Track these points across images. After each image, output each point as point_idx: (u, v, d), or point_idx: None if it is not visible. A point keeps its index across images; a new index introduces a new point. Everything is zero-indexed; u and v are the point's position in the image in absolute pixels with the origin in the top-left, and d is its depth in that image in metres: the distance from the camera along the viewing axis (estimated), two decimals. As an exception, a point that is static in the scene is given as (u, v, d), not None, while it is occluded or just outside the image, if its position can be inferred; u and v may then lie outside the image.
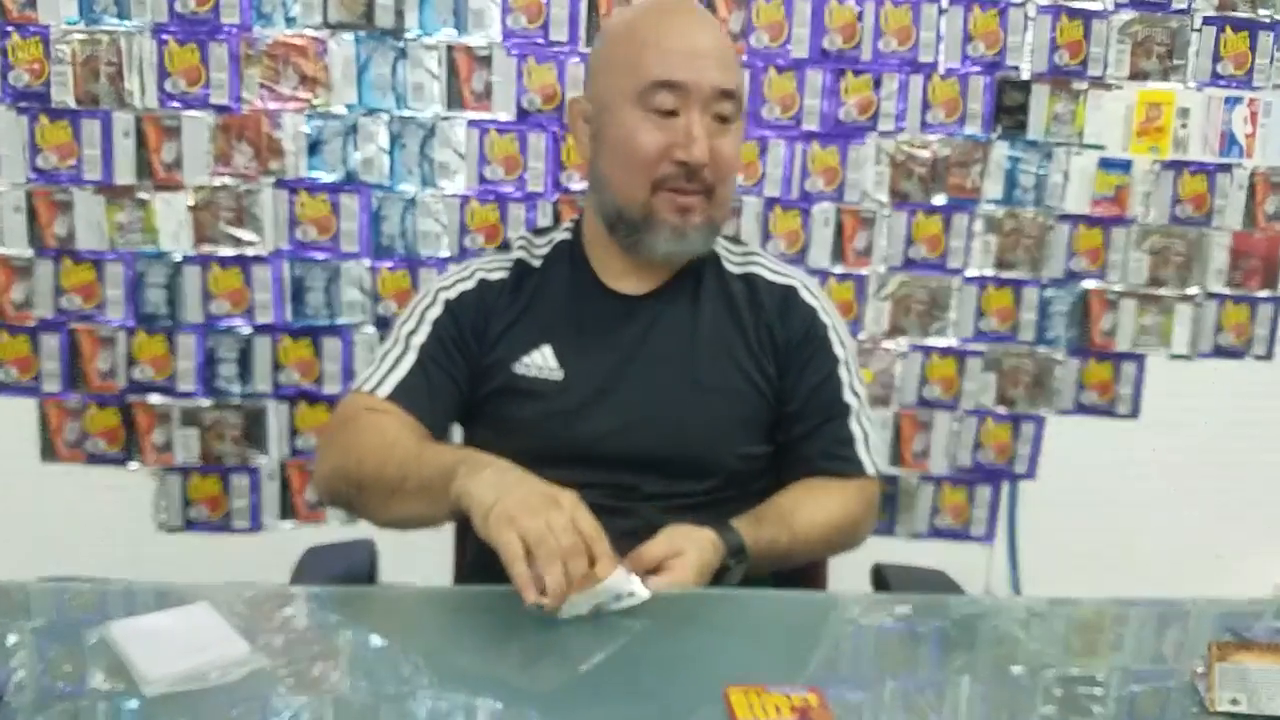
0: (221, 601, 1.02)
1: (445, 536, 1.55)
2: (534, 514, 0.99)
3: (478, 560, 1.36)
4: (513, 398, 1.34)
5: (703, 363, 1.35)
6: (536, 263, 1.42)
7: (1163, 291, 2.43)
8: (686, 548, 1.16)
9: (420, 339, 1.36)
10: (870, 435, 1.41)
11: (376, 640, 1.02)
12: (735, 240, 1.49)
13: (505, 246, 1.46)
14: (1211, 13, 2.32)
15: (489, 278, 1.40)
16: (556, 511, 1.00)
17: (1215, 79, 2.35)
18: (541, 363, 1.34)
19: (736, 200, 2.29)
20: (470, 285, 1.39)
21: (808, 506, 1.33)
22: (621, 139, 1.29)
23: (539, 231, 1.48)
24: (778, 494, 1.36)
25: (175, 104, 2.21)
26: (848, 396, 1.40)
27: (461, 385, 1.36)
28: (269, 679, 0.91)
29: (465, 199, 2.29)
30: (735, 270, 1.43)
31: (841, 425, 1.39)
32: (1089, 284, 2.42)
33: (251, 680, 0.90)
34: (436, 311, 1.38)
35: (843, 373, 1.41)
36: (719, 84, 1.27)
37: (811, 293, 1.44)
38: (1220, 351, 2.45)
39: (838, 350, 1.41)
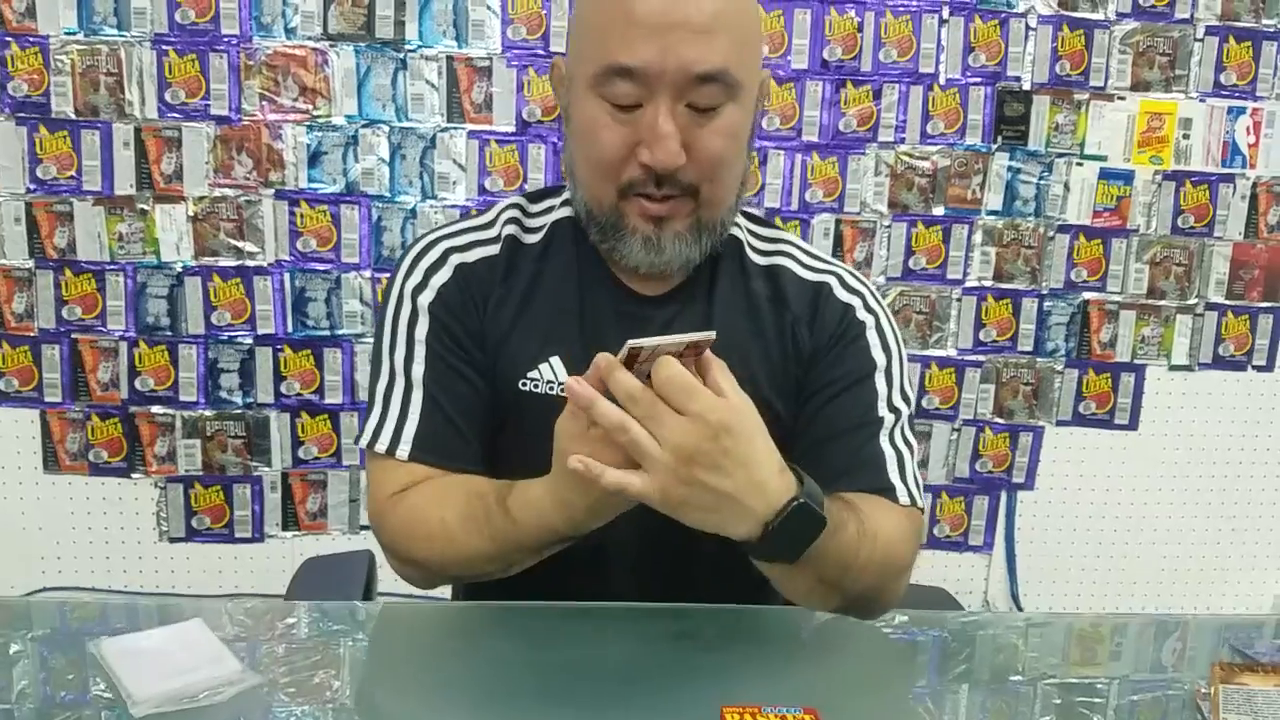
0: (217, 617, 0.97)
1: None
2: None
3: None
4: (520, 419, 1.08)
5: None
6: (532, 239, 1.11)
7: (1163, 302, 2.32)
8: (746, 400, 0.85)
9: (420, 368, 1.07)
10: (907, 458, 1.08)
11: (372, 658, 0.95)
12: (764, 222, 1.17)
13: (484, 211, 1.15)
14: (1214, 22, 2.20)
15: (468, 259, 1.09)
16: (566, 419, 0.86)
17: (1218, 89, 2.23)
18: (551, 377, 1.07)
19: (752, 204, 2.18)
20: (447, 275, 1.08)
21: (869, 507, 0.99)
22: (582, 130, 1.01)
23: (535, 196, 1.16)
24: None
25: (175, 115, 2.11)
26: (882, 410, 1.07)
27: (485, 398, 1.08)
28: (260, 698, 0.85)
29: (466, 210, 2.19)
30: (760, 261, 1.13)
31: (869, 441, 1.06)
32: (1088, 295, 2.31)
33: (241, 700, 0.84)
34: (424, 326, 1.08)
35: (880, 382, 1.08)
36: (692, 67, 0.94)
37: (849, 287, 1.12)
38: (1221, 363, 2.35)
39: (877, 355, 1.09)
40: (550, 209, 1.13)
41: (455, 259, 1.09)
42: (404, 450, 1.05)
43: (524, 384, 1.08)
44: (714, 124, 0.97)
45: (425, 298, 1.08)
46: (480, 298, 1.08)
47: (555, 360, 1.07)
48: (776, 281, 1.11)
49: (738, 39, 0.97)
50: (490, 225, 1.11)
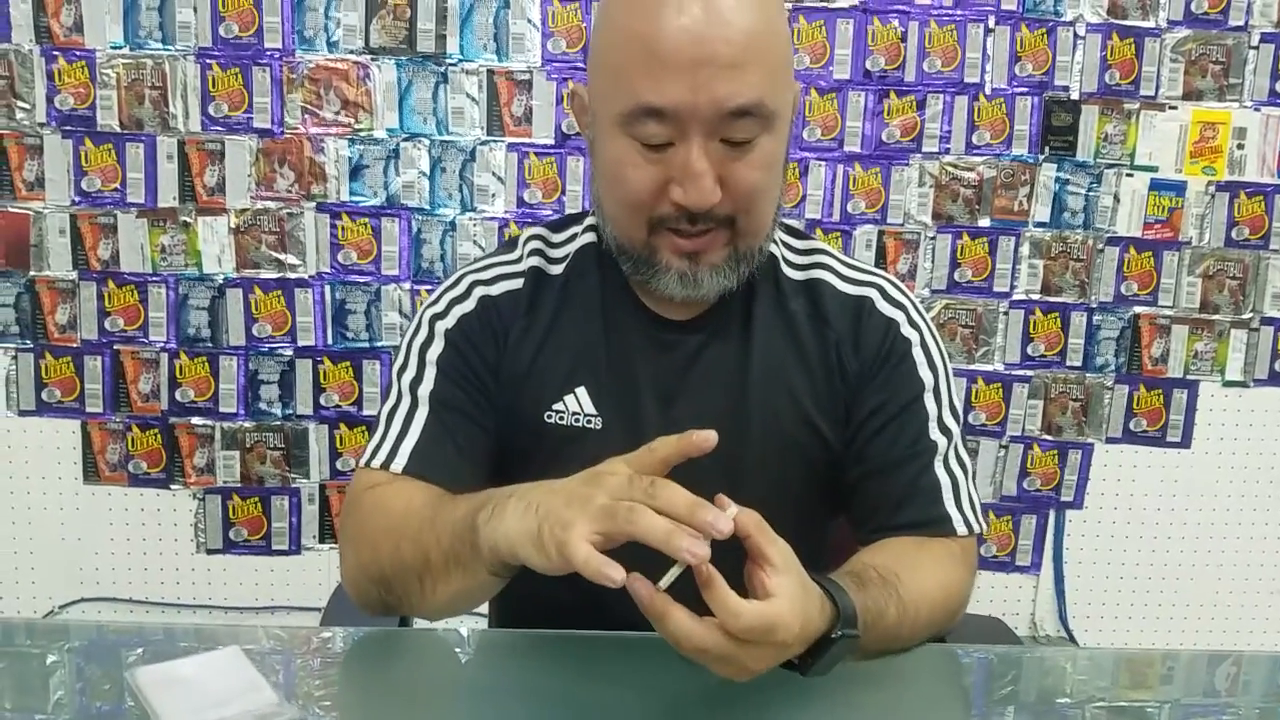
0: (253, 639, 0.91)
1: None
2: (587, 501, 0.73)
3: (510, 592, 1.18)
4: (547, 452, 1.02)
5: (754, 409, 1.02)
6: (556, 270, 1.06)
7: (1216, 317, 2.23)
8: (794, 582, 0.75)
9: (428, 388, 1.02)
10: (962, 481, 1.02)
11: (410, 688, 0.88)
12: (798, 234, 1.11)
13: (510, 245, 1.09)
14: (1270, 29, 2.12)
15: (492, 293, 1.04)
16: (609, 478, 0.74)
17: (1274, 98, 2.14)
18: (577, 408, 1.02)
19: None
20: (470, 306, 1.04)
21: (910, 571, 0.92)
22: (610, 169, 0.94)
23: (557, 225, 1.11)
24: (861, 555, 0.97)
25: (218, 128, 2.09)
26: (934, 433, 1.02)
27: (489, 431, 1.03)
28: None
29: (504, 222, 2.15)
30: (797, 277, 1.06)
31: (925, 471, 1.01)
32: (1139, 309, 2.22)
33: None
34: (438, 349, 1.03)
35: (929, 402, 1.03)
36: (724, 103, 0.88)
37: (892, 300, 1.05)
38: (1277, 379, 2.24)
39: (924, 373, 1.03)
40: (573, 236, 1.08)
41: (479, 291, 1.05)
42: (399, 464, 0.99)
43: (549, 416, 1.02)
44: (749, 157, 0.91)
45: (443, 324, 1.04)
46: (502, 330, 1.04)
47: (581, 391, 1.02)
48: (815, 298, 1.05)
49: (769, 68, 0.90)
50: (516, 260, 1.07)
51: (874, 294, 1.05)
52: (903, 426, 1.02)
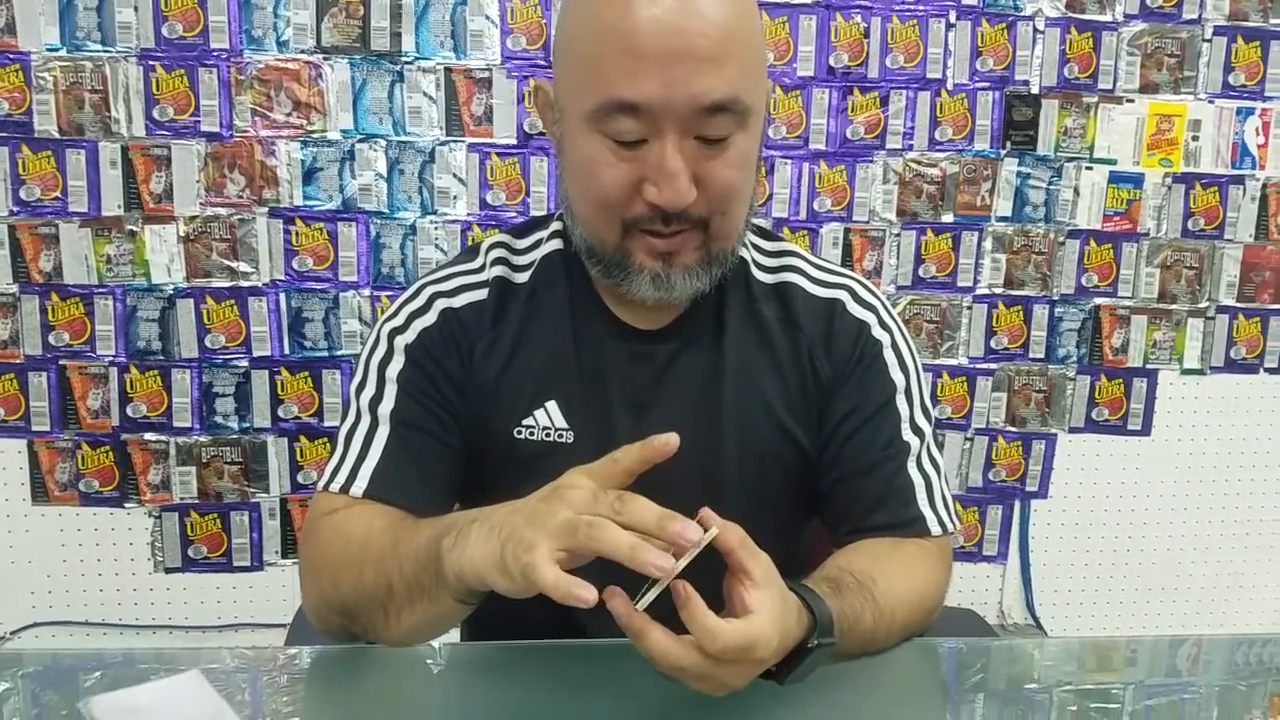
0: (216, 662, 0.87)
1: None
2: (548, 518, 0.70)
3: (483, 606, 1.14)
4: (518, 469, 0.98)
5: (728, 417, 0.99)
6: (521, 278, 1.01)
7: (1174, 306, 2.24)
8: (773, 592, 0.74)
9: (389, 406, 0.97)
10: (935, 481, 1.01)
11: (381, 708, 0.84)
12: (768, 235, 1.07)
13: (472, 252, 1.03)
14: (1223, 22, 2.12)
15: (454, 304, 0.99)
16: (572, 492, 0.71)
17: (1227, 90, 2.15)
18: (548, 423, 0.98)
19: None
20: (431, 319, 0.99)
21: (885, 574, 0.91)
22: (580, 167, 0.90)
23: (520, 231, 1.05)
24: (837, 558, 0.95)
25: (164, 132, 1.99)
26: (907, 434, 1.00)
27: (455, 449, 0.98)
28: None
29: (467, 225, 2.08)
30: (767, 280, 1.03)
31: (898, 472, 0.99)
32: (1100, 300, 2.23)
33: None
34: (398, 365, 0.98)
35: (901, 404, 1.01)
36: (700, 99, 0.83)
37: (862, 302, 1.03)
38: (1233, 366, 2.27)
39: (895, 375, 1.01)
40: (538, 243, 1.03)
41: (441, 303, 0.99)
42: (359, 487, 0.94)
43: (519, 432, 0.98)
44: (725, 156, 0.87)
45: (403, 339, 0.98)
46: (466, 345, 0.98)
47: (551, 405, 0.98)
48: (786, 301, 1.02)
49: (745, 63, 0.86)
50: (479, 269, 1.01)
51: (844, 296, 1.03)
52: (876, 429, 1.00)
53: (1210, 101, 2.16)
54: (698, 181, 0.86)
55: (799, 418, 1.01)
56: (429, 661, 0.90)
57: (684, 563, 0.68)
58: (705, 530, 0.71)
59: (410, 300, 1.01)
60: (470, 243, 1.93)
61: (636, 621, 0.70)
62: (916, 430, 1.01)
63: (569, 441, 0.98)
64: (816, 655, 0.78)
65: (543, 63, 2.03)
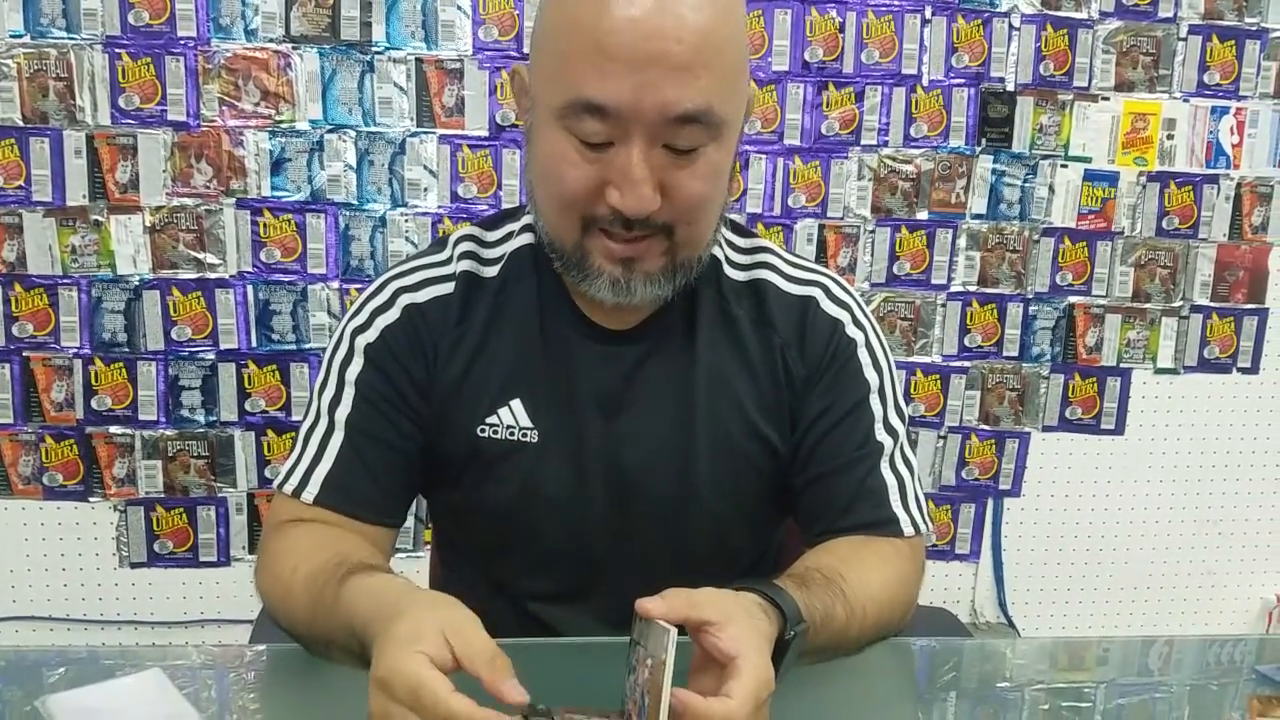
0: (179, 660, 0.85)
1: (421, 569, 1.30)
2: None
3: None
4: (480, 467, 0.96)
5: (700, 420, 0.96)
6: (489, 272, 0.97)
7: (1148, 305, 2.20)
8: (739, 621, 0.70)
9: (345, 411, 0.94)
10: (909, 481, 0.98)
11: (348, 702, 0.79)
12: (742, 231, 1.04)
13: (440, 245, 1.00)
14: (1198, 21, 2.09)
15: (418, 300, 0.95)
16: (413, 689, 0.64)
17: (1202, 89, 2.12)
18: (512, 421, 0.95)
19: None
20: (394, 316, 0.95)
21: (855, 571, 0.88)
22: (545, 162, 0.86)
23: (489, 223, 1.01)
24: (805, 558, 0.92)
25: (129, 121, 1.93)
26: (880, 434, 0.97)
27: (412, 454, 0.96)
28: None
29: (438, 218, 2.03)
30: (739, 278, 0.99)
31: (872, 472, 0.96)
32: (1074, 299, 2.19)
33: None
34: (357, 368, 0.94)
35: (874, 403, 0.98)
36: (670, 108, 0.79)
37: (836, 300, 1.00)
38: (1206, 365, 2.23)
39: (869, 374, 0.98)
40: (509, 235, 0.99)
41: (405, 299, 0.96)
42: (310, 493, 0.93)
43: (482, 430, 0.95)
44: (693, 167, 0.83)
45: (365, 339, 0.95)
46: (430, 343, 0.95)
47: (516, 403, 0.95)
48: (759, 300, 0.99)
49: (721, 73, 0.82)
50: (445, 261, 0.97)
51: (818, 293, 1.00)
52: (849, 429, 0.97)
53: (1185, 100, 2.12)
54: (664, 190, 0.83)
55: (772, 419, 0.98)
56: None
57: (669, 677, 0.65)
58: (646, 624, 0.68)
59: (374, 296, 0.97)
60: (440, 234, 1.90)
61: None
62: (890, 430, 0.98)
63: (534, 441, 0.95)
64: (795, 645, 0.76)
65: (515, 54, 1.98)
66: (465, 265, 0.97)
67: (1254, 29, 2.09)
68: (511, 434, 0.95)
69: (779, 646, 0.74)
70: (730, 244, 1.01)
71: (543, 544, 0.98)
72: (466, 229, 1.01)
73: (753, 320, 0.98)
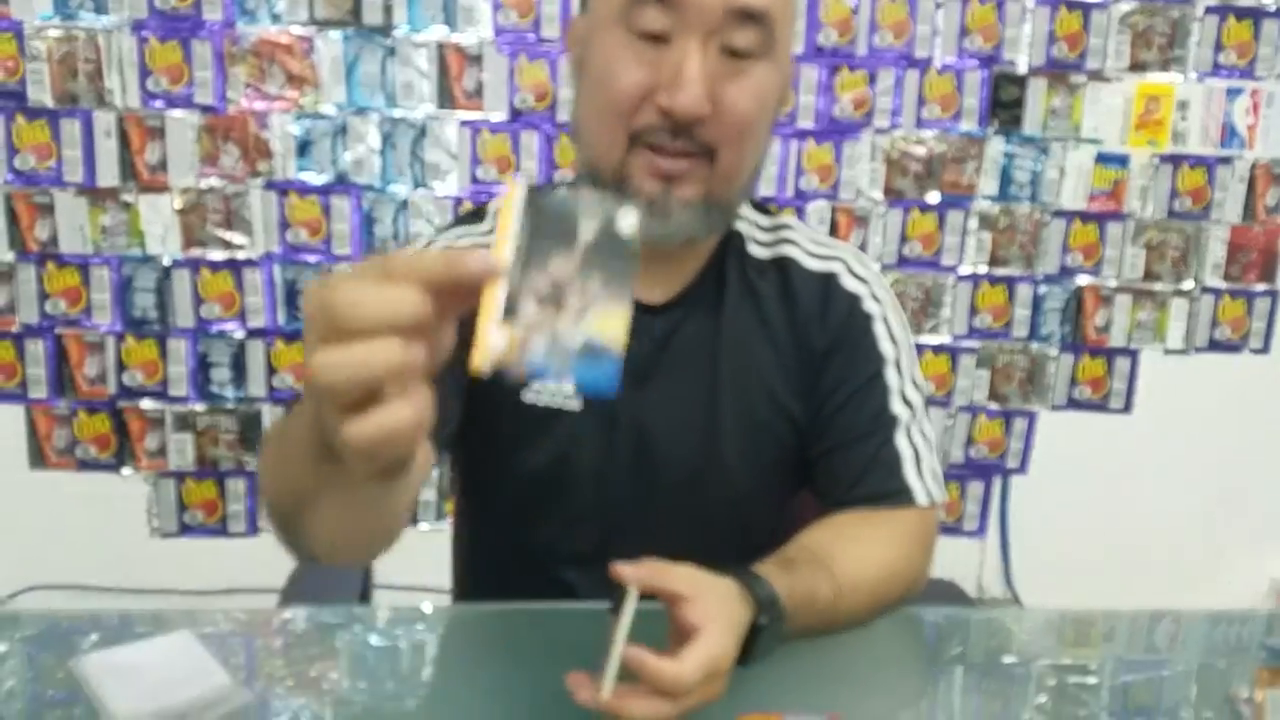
0: (208, 624, 0.87)
1: (443, 541, 1.33)
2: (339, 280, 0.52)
3: (475, 569, 1.12)
4: (518, 430, 0.97)
5: (725, 392, 0.97)
6: None
7: (1158, 286, 2.20)
8: (707, 597, 0.73)
9: None
10: (925, 453, 0.98)
11: (368, 669, 0.84)
12: (764, 209, 1.04)
13: (478, 215, 1.01)
14: (1214, 1, 2.07)
15: None
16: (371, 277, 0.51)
17: (1217, 69, 2.10)
18: (557, 388, 0.94)
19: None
20: None
21: (849, 547, 0.90)
22: (598, 73, 0.86)
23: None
24: (800, 535, 0.93)
25: (158, 103, 1.96)
26: (896, 406, 0.98)
27: (458, 398, 0.92)
28: (250, 716, 0.77)
29: (458, 200, 2.05)
30: (763, 255, 1.00)
31: (885, 443, 0.96)
32: (1083, 280, 2.19)
33: (232, 718, 0.76)
34: None
35: (890, 376, 0.98)
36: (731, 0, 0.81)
37: (856, 275, 1.00)
38: (1216, 346, 2.23)
39: (885, 347, 0.99)
40: None
41: None
42: None
43: (528, 395, 0.96)
44: (744, 82, 0.84)
45: None
46: None
47: None
48: (784, 275, 1.00)
49: None
50: (490, 231, 0.97)
51: (839, 268, 1.00)
52: (865, 400, 0.98)
53: (1200, 81, 2.10)
54: (713, 101, 0.83)
55: (794, 392, 0.99)
56: (420, 626, 0.91)
57: (624, 633, 0.69)
58: (625, 591, 0.71)
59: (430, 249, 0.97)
60: (470, 210, 1.92)
61: (608, 705, 0.68)
62: (907, 403, 0.99)
63: (576, 409, 0.96)
64: (769, 633, 0.77)
65: (533, 39, 1.99)
66: None
67: (1273, 8, 2.07)
68: (555, 399, 0.96)
69: (751, 632, 0.76)
70: (754, 223, 1.02)
71: (571, 509, 0.99)
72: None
73: (777, 295, 0.99)
